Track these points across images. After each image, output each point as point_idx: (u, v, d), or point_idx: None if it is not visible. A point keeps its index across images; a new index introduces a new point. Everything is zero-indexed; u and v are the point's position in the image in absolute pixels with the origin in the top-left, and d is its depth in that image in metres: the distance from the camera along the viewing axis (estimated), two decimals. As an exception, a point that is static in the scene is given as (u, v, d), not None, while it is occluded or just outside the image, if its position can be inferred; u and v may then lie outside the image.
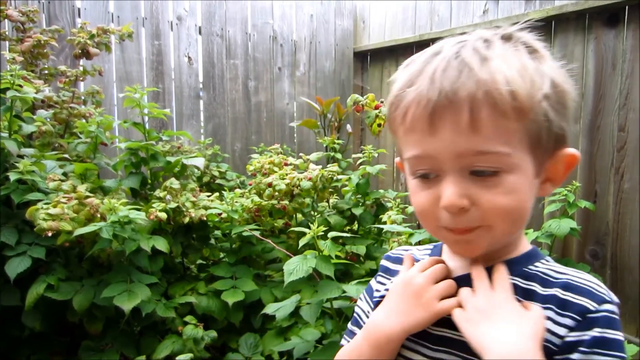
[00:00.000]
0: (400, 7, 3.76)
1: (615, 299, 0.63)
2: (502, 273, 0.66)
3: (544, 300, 0.64)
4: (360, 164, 2.49)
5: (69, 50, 2.70)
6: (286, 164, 2.54)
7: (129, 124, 2.30)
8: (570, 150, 0.66)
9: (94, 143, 2.21)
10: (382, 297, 0.75)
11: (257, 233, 2.24)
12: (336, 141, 2.81)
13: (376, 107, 1.85)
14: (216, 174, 3.02)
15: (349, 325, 0.83)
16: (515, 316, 0.61)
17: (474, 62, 0.60)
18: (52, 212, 1.70)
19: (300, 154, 2.77)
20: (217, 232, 2.47)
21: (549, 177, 0.67)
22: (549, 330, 0.61)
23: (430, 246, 0.82)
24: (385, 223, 2.26)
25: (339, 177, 2.44)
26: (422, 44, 3.54)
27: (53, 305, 1.83)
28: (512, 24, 0.67)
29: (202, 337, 1.90)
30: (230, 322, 2.15)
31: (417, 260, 0.76)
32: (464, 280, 0.69)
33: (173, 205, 2.00)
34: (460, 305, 0.66)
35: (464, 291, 0.67)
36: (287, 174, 2.32)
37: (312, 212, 2.60)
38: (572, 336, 0.61)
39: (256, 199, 2.24)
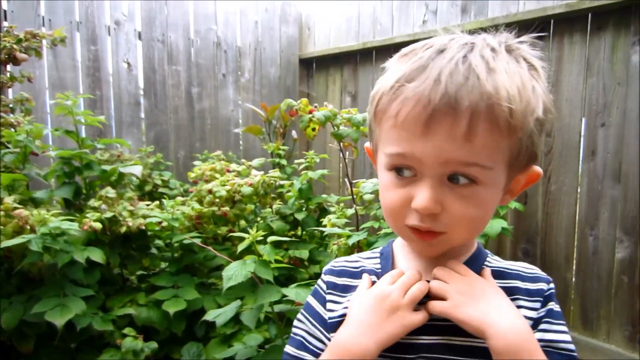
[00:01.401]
0: (344, 16, 3.83)
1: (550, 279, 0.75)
2: (463, 266, 0.70)
3: (510, 292, 0.69)
4: (303, 169, 2.51)
5: (-5, 56, 2.58)
6: (228, 171, 2.53)
7: (60, 132, 2.22)
8: (537, 168, 0.70)
9: (23, 153, 2.12)
10: (343, 316, 0.72)
11: (198, 241, 2.22)
12: (281, 147, 2.82)
13: (310, 112, 1.88)
14: (159, 182, 2.96)
15: (292, 350, 0.75)
16: (500, 295, 0.67)
17: (481, 71, 0.59)
18: (-24, 225, 1.62)
19: (243, 160, 2.76)
20: (159, 242, 2.43)
21: (511, 189, 0.70)
22: (525, 317, 0.67)
23: (377, 253, 0.80)
24: (326, 226, 2.29)
25: (282, 182, 2.45)
26: (365, 52, 3.63)
27: (-21, 324, 1.74)
28: (509, 29, 0.69)
29: (141, 349, 1.86)
30: (173, 333, 2.11)
31: (371, 272, 0.76)
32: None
33: (109, 214, 1.95)
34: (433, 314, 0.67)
35: (437, 283, 0.68)
36: (228, 181, 2.31)
37: (256, 218, 2.60)
38: (538, 314, 0.69)
39: (197, 206, 2.22)
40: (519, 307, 0.67)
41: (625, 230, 2.35)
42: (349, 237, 1.87)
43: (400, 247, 0.78)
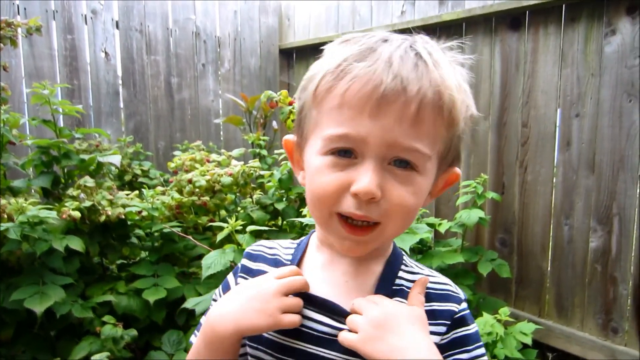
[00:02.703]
0: (324, 6, 3.84)
1: (463, 294, 0.72)
2: (379, 296, 0.66)
3: None
4: (284, 159, 2.53)
5: (-31, 44, 2.53)
6: (208, 161, 2.53)
7: (37, 121, 2.20)
8: (457, 170, 0.70)
9: None
10: None
11: (179, 230, 2.22)
12: (262, 138, 2.83)
13: (290, 103, 1.89)
14: (138, 172, 2.95)
15: (201, 320, 0.76)
16: (415, 326, 0.62)
17: (428, 61, 0.59)
18: (-49, 213, 1.60)
19: (223, 151, 2.77)
20: (139, 231, 2.42)
21: (432, 190, 0.68)
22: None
23: (294, 244, 0.78)
24: (306, 216, 2.31)
25: (262, 172, 2.46)
26: (345, 43, 3.64)
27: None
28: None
29: (121, 336, 1.87)
30: (154, 321, 2.12)
31: (280, 262, 0.75)
32: (317, 304, 0.67)
33: (88, 203, 1.95)
34: (301, 323, 0.65)
35: (351, 317, 0.64)
36: (208, 171, 2.32)
37: (236, 208, 2.61)
38: (442, 339, 0.67)
39: (177, 195, 2.22)
40: None
41: (599, 220, 2.41)
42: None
43: (315, 240, 0.75)
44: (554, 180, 2.61)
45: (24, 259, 1.88)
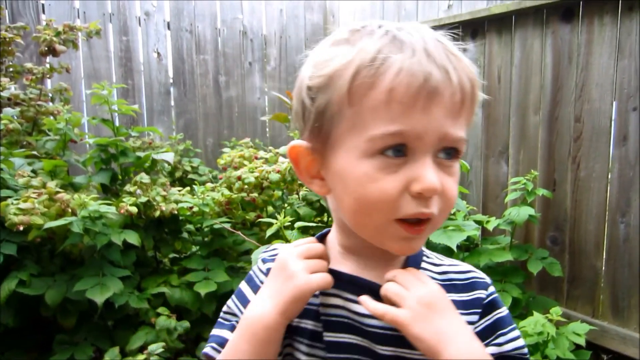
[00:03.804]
0: (369, 2, 3.83)
1: (488, 278, 0.70)
2: (422, 273, 0.64)
3: None
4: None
5: (34, 48, 2.69)
6: (256, 158, 2.59)
7: (97, 120, 2.32)
8: None
9: (62, 140, 2.22)
10: None
11: (228, 226, 2.29)
12: (306, 134, 2.85)
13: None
14: (188, 169, 3.05)
15: (213, 332, 0.72)
16: (455, 311, 0.61)
17: (452, 49, 0.58)
18: (22, 206, 1.72)
19: (270, 148, 2.82)
20: (190, 226, 2.51)
21: None
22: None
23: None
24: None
25: (309, 169, 2.49)
26: (390, 38, 3.62)
27: (26, 301, 1.85)
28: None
29: (175, 328, 1.94)
30: (204, 314, 2.19)
31: None
32: (343, 280, 0.65)
33: (143, 199, 2.03)
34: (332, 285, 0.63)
35: (395, 287, 0.61)
36: (256, 167, 2.37)
37: (283, 205, 2.66)
38: (476, 327, 0.65)
39: (226, 192, 2.29)
40: None
41: (657, 217, 2.32)
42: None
43: (336, 246, 0.71)
44: (609, 176, 2.51)
45: (86, 251, 1.99)
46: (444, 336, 0.57)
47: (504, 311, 0.68)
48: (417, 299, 0.58)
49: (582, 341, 2.01)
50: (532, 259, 2.50)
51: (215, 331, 0.71)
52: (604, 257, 2.56)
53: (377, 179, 0.56)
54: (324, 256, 0.66)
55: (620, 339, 2.47)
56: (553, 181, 2.73)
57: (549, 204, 2.74)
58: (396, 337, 0.61)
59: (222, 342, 0.68)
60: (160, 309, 2.02)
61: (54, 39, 2.26)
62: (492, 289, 0.69)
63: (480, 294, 0.67)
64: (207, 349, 0.70)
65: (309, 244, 0.67)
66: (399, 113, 0.54)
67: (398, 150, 0.56)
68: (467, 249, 2.64)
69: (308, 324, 0.67)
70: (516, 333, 0.66)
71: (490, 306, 0.67)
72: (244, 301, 0.70)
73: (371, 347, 0.64)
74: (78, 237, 1.82)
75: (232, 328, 0.69)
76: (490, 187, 3.06)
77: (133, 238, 1.98)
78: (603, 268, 2.56)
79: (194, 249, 2.55)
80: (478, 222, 2.51)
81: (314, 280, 0.61)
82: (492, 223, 2.54)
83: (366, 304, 0.60)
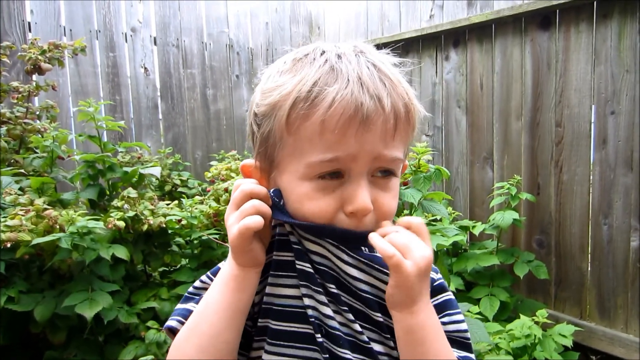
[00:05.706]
0: (353, 13, 3.89)
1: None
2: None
3: None
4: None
5: (20, 65, 2.70)
6: (244, 170, 2.61)
7: (84, 137, 2.33)
8: (406, 162, 0.76)
9: (50, 157, 2.23)
10: None
11: (216, 237, 2.30)
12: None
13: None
14: (178, 182, 3.06)
15: (179, 306, 0.74)
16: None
17: (389, 73, 0.64)
18: (10, 223, 1.73)
19: (258, 159, 2.84)
20: (179, 239, 2.52)
21: None
22: None
23: None
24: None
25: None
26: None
27: (15, 318, 1.85)
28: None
29: (164, 341, 1.95)
30: (194, 326, 2.20)
31: None
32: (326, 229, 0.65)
33: (131, 213, 2.05)
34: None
35: (400, 237, 0.63)
36: (243, 179, 2.39)
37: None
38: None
39: (214, 204, 2.31)
40: None
41: None
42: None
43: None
44: (591, 179, 2.57)
45: (74, 266, 1.99)
46: (421, 297, 0.62)
47: (451, 295, 0.73)
48: (420, 257, 0.61)
49: (568, 342, 2.04)
50: (518, 262, 2.54)
51: (181, 305, 0.73)
52: (589, 258, 2.60)
53: (315, 198, 0.63)
54: (260, 194, 0.66)
55: (608, 340, 2.50)
56: (537, 185, 2.78)
57: (533, 208, 2.79)
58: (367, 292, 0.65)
59: (189, 315, 0.69)
60: (150, 323, 2.02)
61: (39, 57, 2.29)
62: (439, 275, 0.75)
63: (432, 275, 0.70)
64: (172, 322, 0.70)
65: (243, 188, 0.66)
66: (332, 142, 0.60)
67: (334, 174, 0.63)
68: (455, 254, 2.68)
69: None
70: (460, 317, 0.71)
71: (440, 289, 0.72)
72: (217, 271, 0.73)
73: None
74: (67, 252, 1.83)
75: (199, 302, 0.70)
76: (476, 193, 3.10)
77: (122, 252, 1.99)
78: (588, 269, 2.61)
79: (184, 261, 2.56)
80: (464, 228, 2.55)
81: (238, 229, 0.62)
82: (478, 228, 2.58)
83: (374, 240, 0.62)
